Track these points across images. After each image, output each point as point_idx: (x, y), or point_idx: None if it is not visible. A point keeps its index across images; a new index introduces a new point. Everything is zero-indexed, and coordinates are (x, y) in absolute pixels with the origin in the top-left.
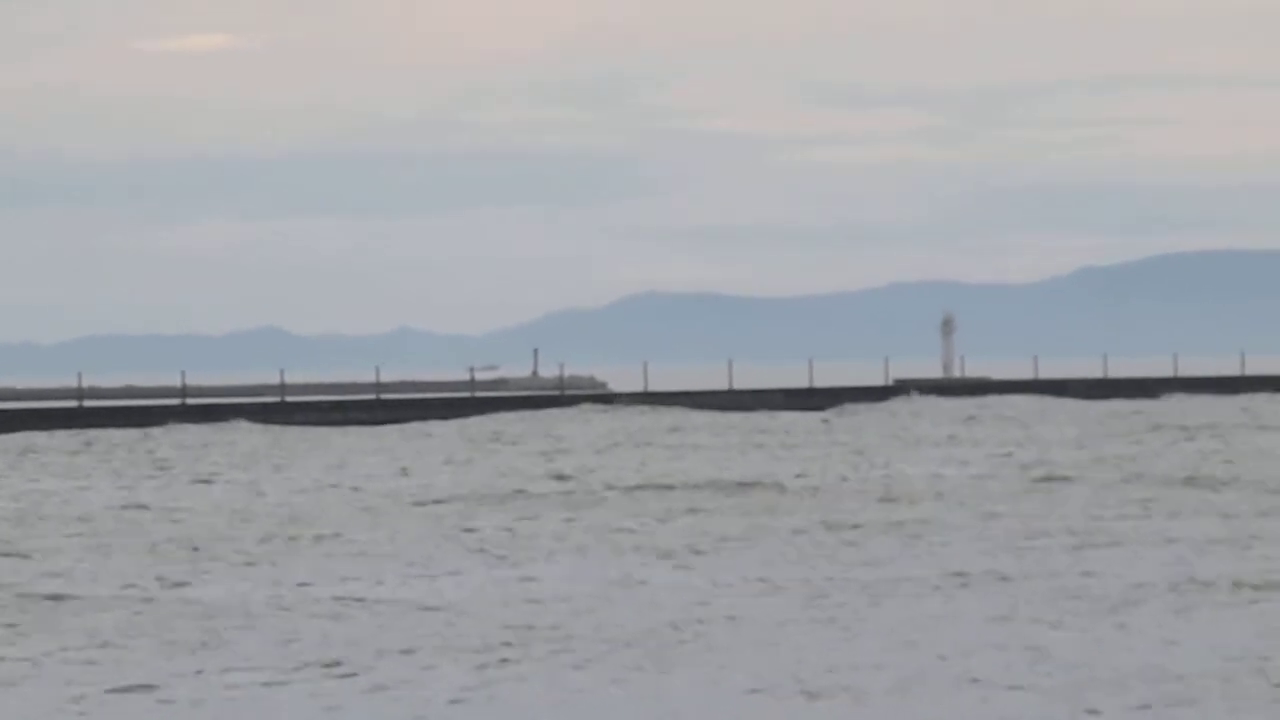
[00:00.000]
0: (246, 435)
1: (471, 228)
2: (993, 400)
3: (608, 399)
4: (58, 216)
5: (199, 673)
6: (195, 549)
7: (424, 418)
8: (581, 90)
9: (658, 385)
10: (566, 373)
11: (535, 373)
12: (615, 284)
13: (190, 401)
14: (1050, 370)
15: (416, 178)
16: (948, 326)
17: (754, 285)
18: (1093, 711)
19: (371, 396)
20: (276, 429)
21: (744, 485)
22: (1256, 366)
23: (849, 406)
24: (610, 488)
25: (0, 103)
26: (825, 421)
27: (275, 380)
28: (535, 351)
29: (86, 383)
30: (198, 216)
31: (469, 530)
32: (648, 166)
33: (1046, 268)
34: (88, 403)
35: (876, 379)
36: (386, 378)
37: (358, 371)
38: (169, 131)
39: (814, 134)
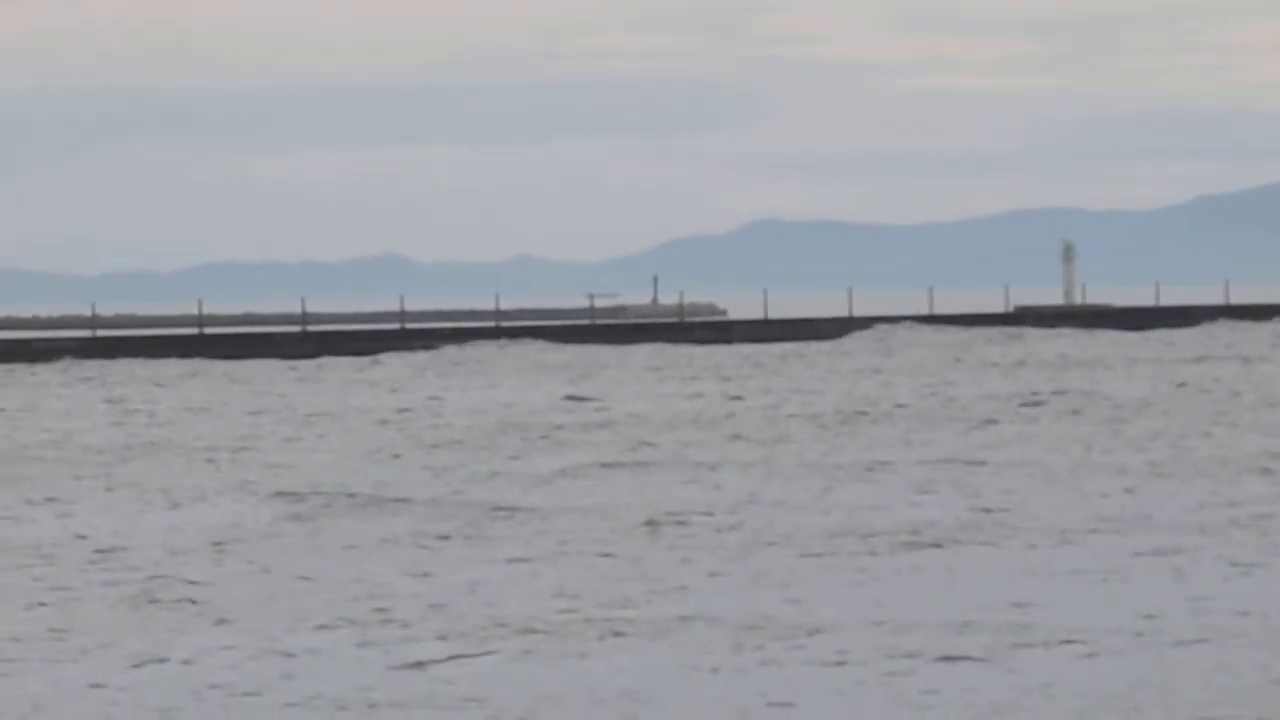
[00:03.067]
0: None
1: (590, 156)
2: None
3: (725, 326)
4: (178, 146)
5: None
6: None
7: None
8: (692, 18)
9: (777, 313)
10: (686, 300)
11: (655, 300)
12: (735, 211)
13: (310, 328)
14: (1172, 297)
15: (536, 106)
16: (1068, 253)
17: (873, 213)
18: None
19: (491, 324)
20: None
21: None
22: None
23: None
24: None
25: (113, 36)
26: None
27: (395, 307)
28: (655, 279)
29: (207, 310)
30: (316, 144)
31: None
32: (760, 94)
33: (1164, 195)
34: (208, 330)
35: (998, 306)
36: (506, 305)
37: (477, 298)
38: (287, 61)
39: (923, 60)
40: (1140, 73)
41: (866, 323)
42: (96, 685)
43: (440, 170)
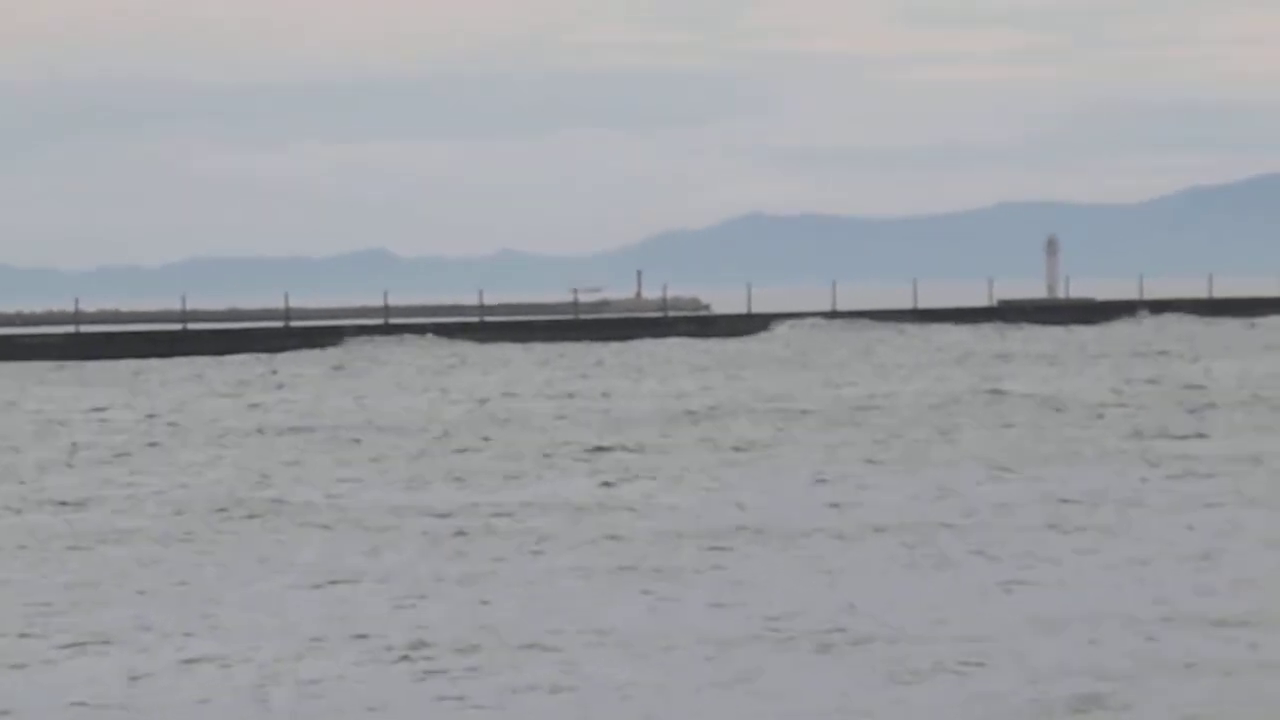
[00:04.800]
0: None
1: (572, 149)
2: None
3: (708, 321)
4: (159, 140)
5: None
6: None
7: (528, 339)
8: (680, 11)
9: (761, 307)
10: (670, 294)
11: (639, 294)
12: (718, 206)
13: (294, 324)
14: (1155, 291)
15: (516, 100)
16: (1052, 246)
17: (858, 206)
18: None
19: (476, 319)
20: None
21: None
22: None
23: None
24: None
25: (98, 29)
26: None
27: (379, 303)
28: (639, 273)
29: (190, 305)
30: (298, 140)
31: None
32: (748, 87)
33: (1153, 188)
34: (192, 325)
35: (980, 300)
36: (490, 300)
37: (461, 294)
38: (267, 56)
39: (914, 54)
40: (1133, 65)
41: (850, 316)
42: None
43: (424, 165)
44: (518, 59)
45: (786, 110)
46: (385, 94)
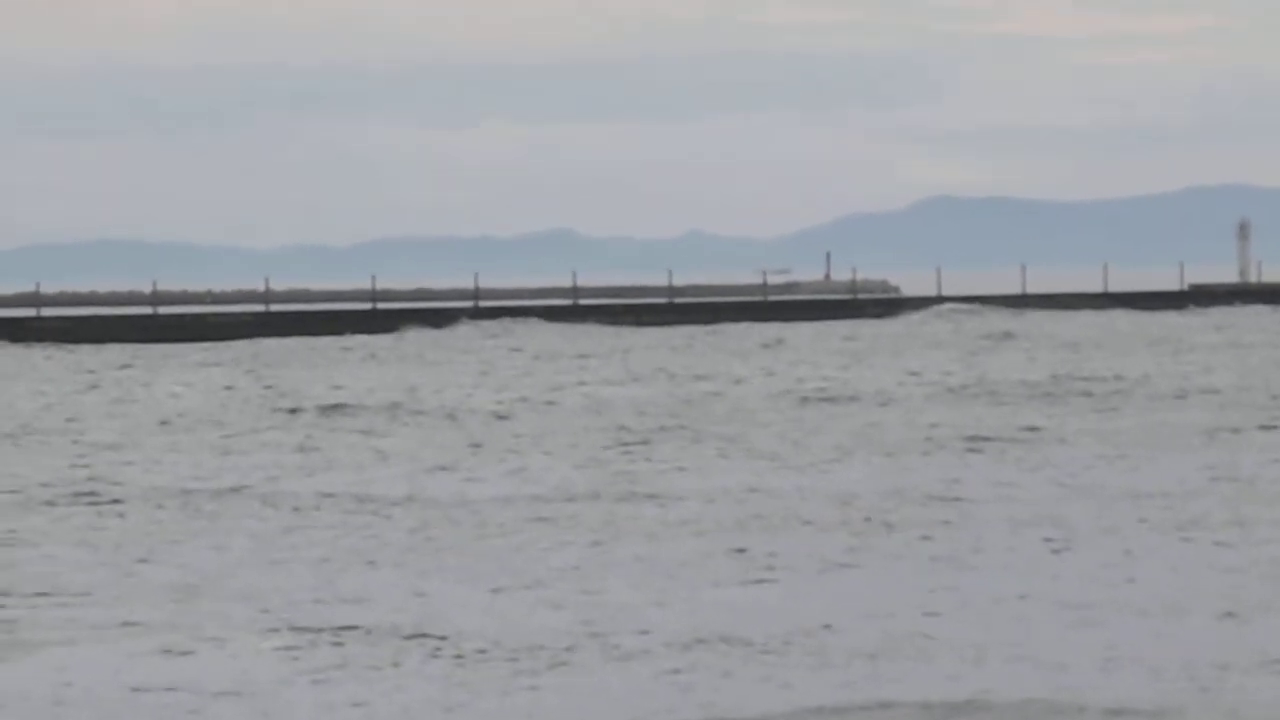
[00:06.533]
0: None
1: (760, 131)
2: None
3: (897, 303)
4: (349, 121)
5: None
6: None
7: (716, 320)
8: None
9: (951, 289)
10: (859, 276)
11: (828, 276)
12: (907, 188)
13: (483, 304)
14: None
15: (705, 81)
16: (1244, 231)
17: (1047, 189)
18: None
19: (664, 300)
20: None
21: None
22: None
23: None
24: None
25: (285, 10)
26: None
27: (567, 283)
28: (828, 255)
29: (380, 285)
30: (484, 120)
31: None
32: (936, 70)
33: None
34: (381, 305)
35: (1172, 284)
36: (678, 281)
37: (649, 274)
38: (460, 36)
39: (1093, 36)
40: None
41: (1045, 299)
42: None
43: (610, 145)
44: (707, 39)
45: (974, 92)
46: (571, 75)
